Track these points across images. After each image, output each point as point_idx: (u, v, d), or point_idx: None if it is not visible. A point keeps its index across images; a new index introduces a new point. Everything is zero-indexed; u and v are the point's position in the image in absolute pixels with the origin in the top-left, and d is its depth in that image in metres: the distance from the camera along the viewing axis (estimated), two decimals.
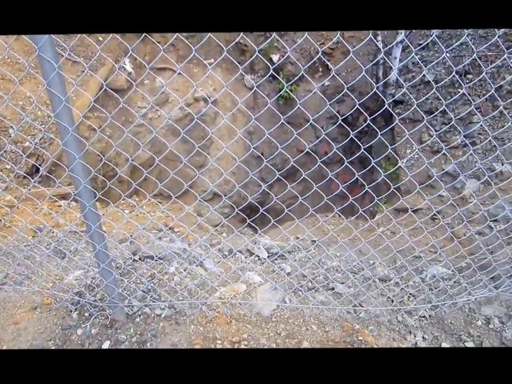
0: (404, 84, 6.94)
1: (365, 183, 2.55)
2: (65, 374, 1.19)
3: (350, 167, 2.39)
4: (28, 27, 1.15)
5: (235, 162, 8.05)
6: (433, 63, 6.73)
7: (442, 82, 6.22)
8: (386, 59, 6.98)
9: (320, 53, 7.89)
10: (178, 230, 4.93)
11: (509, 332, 2.71)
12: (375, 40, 6.85)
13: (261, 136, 8.52)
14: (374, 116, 3.59)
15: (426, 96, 6.49)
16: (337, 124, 2.47)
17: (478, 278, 2.95)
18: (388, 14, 1.14)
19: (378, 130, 2.34)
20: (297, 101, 2.06)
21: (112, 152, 6.62)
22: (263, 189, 2.94)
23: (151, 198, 2.57)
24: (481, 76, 5.92)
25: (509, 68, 5.97)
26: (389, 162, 6.66)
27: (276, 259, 3.64)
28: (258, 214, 2.47)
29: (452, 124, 5.76)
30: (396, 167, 5.92)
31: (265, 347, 2.49)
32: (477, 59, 6.11)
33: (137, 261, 3.30)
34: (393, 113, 6.79)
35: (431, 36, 7.00)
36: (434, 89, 5.65)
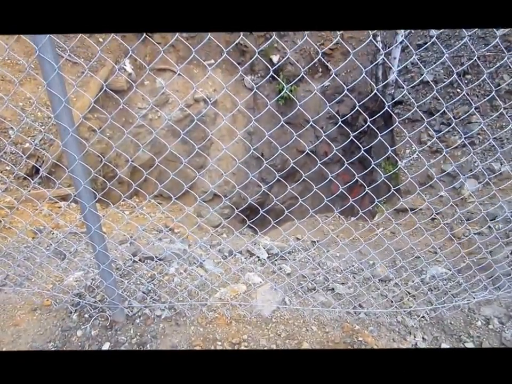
0: (403, 84, 6.95)
1: (364, 184, 2.55)
2: (64, 375, 1.19)
3: (350, 167, 2.39)
4: (27, 27, 1.15)
5: (235, 163, 8.06)
6: (435, 64, 6.73)
7: (443, 84, 6.23)
8: (386, 59, 6.99)
9: (320, 53, 7.90)
10: (179, 231, 4.93)
11: (509, 332, 2.71)
12: (374, 41, 6.86)
13: (261, 136, 8.53)
14: (373, 117, 3.60)
15: (428, 98, 6.50)
16: (337, 124, 2.48)
17: (478, 279, 2.95)
18: (387, 13, 1.14)
19: (377, 131, 2.34)
20: (297, 102, 2.06)
21: (112, 153, 6.61)
22: (263, 190, 2.93)
23: (151, 199, 2.58)
24: (481, 78, 5.92)
25: (507, 68, 5.98)
26: (389, 162, 6.67)
27: (276, 260, 3.64)
28: (258, 215, 2.47)
29: (451, 124, 5.76)
30: (395, 168, 5.92)
31: (265, 348, 2.49)
32: (476, 59, 6.12)
33: (137, 262, 3.30)
34: (393, 113, 6.80)
35: (430, 37, 7.02)
36: (435, 91, 5.66)
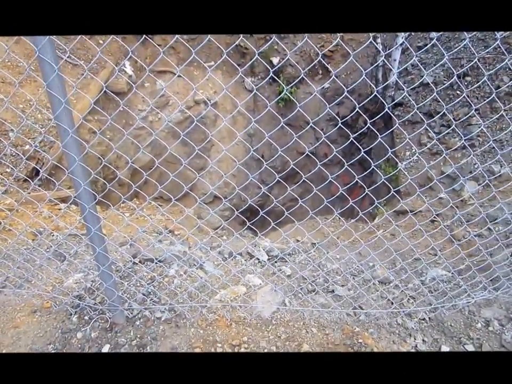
0: (403, 86, 6.96)
1: (364, 185, 2.55)
2: (64, 378, 1.19)
3: (350, 169, 2.39)
4: (27, 28, 1.15)
5: (235, 164, 8.06)
6: (435, 66, 6.74)
7: (443, 86, 6.23)
8: (386, 61, 7.00)
9: (320, 55, 7.91)
10: (179, 232, 4.93)
11: (509, 334, 2.71)
12: (374, 43, 6.87)
13: (261, 138, 8.53)
14: (373, 118, 3.60)
15: (428, 100, 6.51)
16: (337, 126, 2.48)
17: (478, 280, 2.95)
18: (387, 16, 1.14)
19: (378, 133, 2.34)
20: (297, 103, 2.06)
21: (112, 155, 6.62)
22: (263, 192, 2.93)
23: (151, 201, 2.58)
24: (481, 81, 5.92)
25: (507, 70, 5.99)
26: (389, 164, 6.67)
27: (276, 262, 3.64)
28: (258, 216, 2.47)
29: (451, 126, 5.77)
30: (395, 169, 5.92)
31: (265, 350, 2.49)
32: (476, 61, 6.13)
33: (137, 263, 3.30)
34: (393, 115, 6.81)
35: (430, 39, 7.02)
36: (435, 93, 5.67)
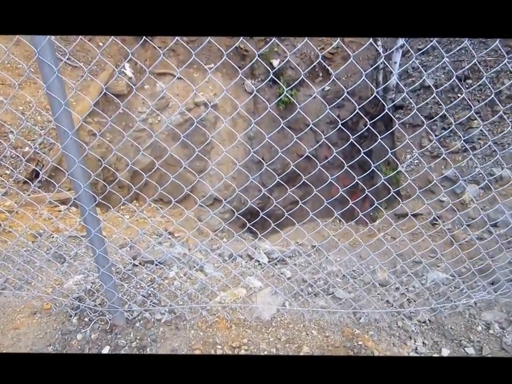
0: (404, 88, 6.96)
1: (365, 188, 2.55)
2: (64, 379, 1.19)
3: (350, 171, 2.39)
4: (26, 27, 1.15)
5: (235, 167, 8.06)
6: (434, 67, 6.75)
7: (442, 87, 6.24)
8: (387, 64, 7.01)
9: (320, 57, 7.92)
10: (179, 234, 4.93)
11: (509, 337, 2.70)
12: (375, 45, 6.88)
13: (261, 140, 8.52)
14: (374, 121, 3.60)
15: (426, 101, 6.51)
16: (337, 128, 2.48)
17: (478, 282, 2.94)
18: (387, 22, 1.14)
19: (378, 135, 2.34)
20: (297, 106, 2.06)
21: (112, 157, 6.62)
22: (264, 194, 2.93)
23: (151, 203, 2.58)
24: (481, 82, 5.93)
25: (508, 72, 5.99)
26: (389, 167, 6.67)
27: (276, 264, 3.64)
28: (259, 218, 2.47)
29: (451, 128, 5.77)
30: (395, 172, 5.92)
31: (265, 352, 2.48)
32: (477, 64, 6.13)
33: (137, 265, 3.30)
34: (393, 117, 6.81)
35: (431, 41, 7.03)
36: (434, 94, 5.67)
